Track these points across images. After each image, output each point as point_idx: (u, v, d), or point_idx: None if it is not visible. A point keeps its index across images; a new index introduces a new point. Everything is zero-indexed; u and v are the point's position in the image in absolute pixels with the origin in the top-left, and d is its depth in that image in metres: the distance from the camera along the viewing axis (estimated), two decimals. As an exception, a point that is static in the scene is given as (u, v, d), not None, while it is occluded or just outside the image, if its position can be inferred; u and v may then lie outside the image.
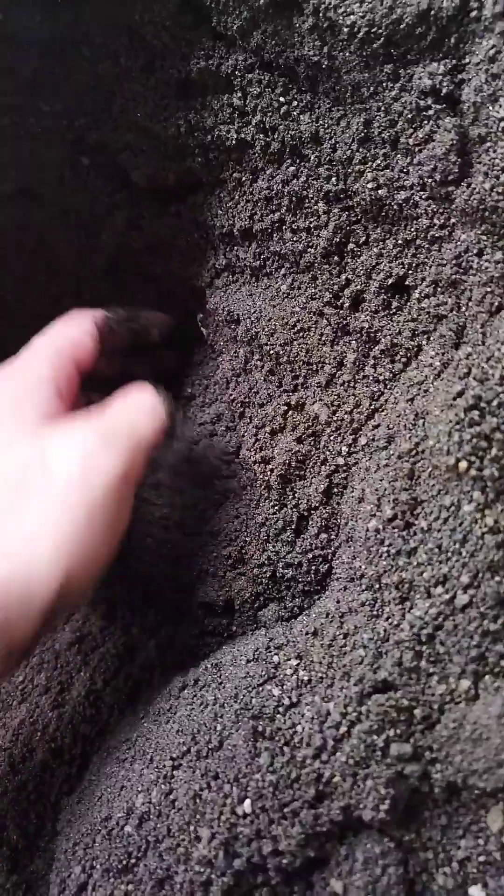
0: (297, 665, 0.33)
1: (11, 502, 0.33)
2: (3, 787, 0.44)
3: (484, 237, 0.32)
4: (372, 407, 0.37)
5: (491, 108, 0.31)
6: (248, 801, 0.30)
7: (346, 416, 0.38)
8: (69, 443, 0.35)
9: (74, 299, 0.48)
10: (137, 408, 0.38)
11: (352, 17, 0.32)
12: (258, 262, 0.42)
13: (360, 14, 0.32)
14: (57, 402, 0.38)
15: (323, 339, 0.39)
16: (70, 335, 0.40)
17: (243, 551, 0.41)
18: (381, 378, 0.37)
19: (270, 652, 0.35)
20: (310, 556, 0.38)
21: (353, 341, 0.38)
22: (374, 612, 0.32)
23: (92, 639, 0.50)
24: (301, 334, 0.40)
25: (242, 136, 0.39)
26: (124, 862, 0.32)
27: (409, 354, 0.36)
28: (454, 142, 0.32)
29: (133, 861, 0.32)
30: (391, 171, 0.35)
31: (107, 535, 0.34)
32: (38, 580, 0.31)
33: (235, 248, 0.43)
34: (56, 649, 0.50)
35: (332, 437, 0.38)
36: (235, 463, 0.44)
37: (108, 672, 0.48)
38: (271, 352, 0.41)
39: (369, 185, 0.35)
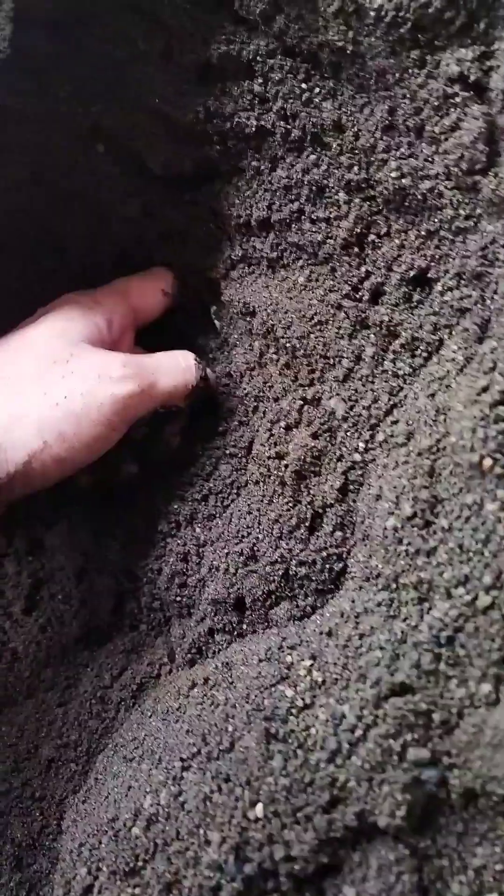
0: (311, 666, 0.32)
1: (28, 379, 0.38)
2: (7, 785, 0.43)
3: (512, 228, 0.31)
4: (391, 402, 0.36)
5: (521, 95, 0.30)
6: (260, 805, 0.29)
7: (363, 411, 0.37)
8: (97, 359, 0.39)
9: (82, 288, 0.47)
10: (171, 362, 0.41)
11: (379, 0, 0.32)
12: (275, 254, 0.41)
13: (388, -3, 0.31)
14: (103, 331, 0.42)
15: (341, 332, 0.38)
16: (145, 285, 0.46)
17: (255, 548, 0.40)
18: (400, 373, 0.36)
19: (283, 652, 0.34)
20: (324, 554, 0.37)
21: (372, 335, 0.37)
22: (391, 613, 0.31)
23: (100, 634, 0.49)
24: (318, 327, 0.39)
25: (262, 123, 0.38)
26: (131, 864, 0.32)
27: (430, 349, 0.35)
28: (482, 130, 0.31)
29: (140, 864, 0.31)
30: (415, 159, 0.34)
31: (82, 447, 0.37)
32: (10, 448, 0.36)
33: (252, 238, 0.42)
34: (63, 644, 0.49)
35: (348, 433, 0.38)
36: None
37: (115, 668, 0.47)
38: (287, 345, 0.40)
39: (392, 175, 0.34)
